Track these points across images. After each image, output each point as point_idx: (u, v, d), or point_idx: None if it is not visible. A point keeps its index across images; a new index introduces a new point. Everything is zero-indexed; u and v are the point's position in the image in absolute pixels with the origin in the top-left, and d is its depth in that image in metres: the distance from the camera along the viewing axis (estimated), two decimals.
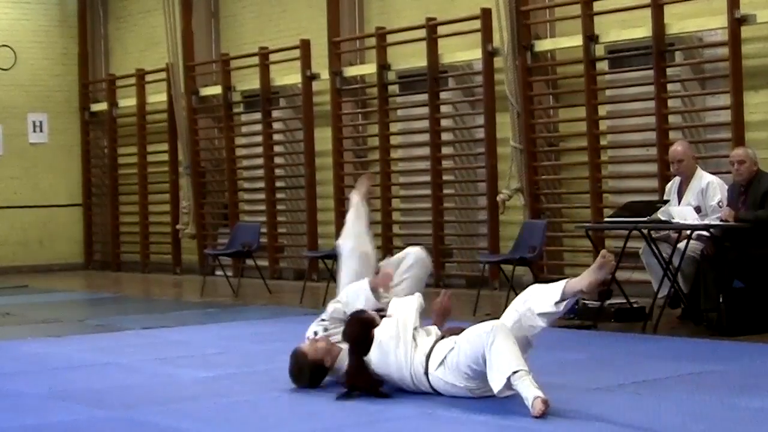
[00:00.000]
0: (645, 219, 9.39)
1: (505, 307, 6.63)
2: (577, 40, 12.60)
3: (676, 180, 9.96)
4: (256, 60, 16.42)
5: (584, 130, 12.59)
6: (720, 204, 9.46)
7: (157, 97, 18.24)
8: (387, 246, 14.60)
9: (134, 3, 19.25)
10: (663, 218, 9.34)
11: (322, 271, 13.98)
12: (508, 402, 6.31)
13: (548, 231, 11.89)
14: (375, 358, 6.60)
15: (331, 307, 7.18)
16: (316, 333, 7.06)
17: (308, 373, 6.91)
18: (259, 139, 16.66)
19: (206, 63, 17.80)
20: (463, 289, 13.31)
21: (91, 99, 19.91)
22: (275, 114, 16.56)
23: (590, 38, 12.45)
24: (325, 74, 15.49)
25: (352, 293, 7.13)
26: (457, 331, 6.55)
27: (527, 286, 6.65)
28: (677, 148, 9.93)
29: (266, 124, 16.50)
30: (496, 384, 6.11)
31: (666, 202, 9.66)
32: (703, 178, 9.77)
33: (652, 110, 11.87)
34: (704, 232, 9.29)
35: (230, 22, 17.60)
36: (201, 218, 17.55)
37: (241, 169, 17.17)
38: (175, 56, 17.29)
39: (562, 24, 13.20)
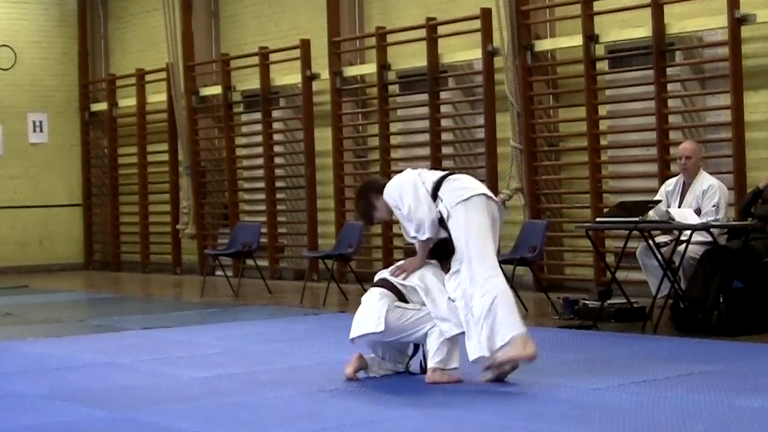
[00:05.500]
0: (645, 219, 9.38)
1: None
2: (577, 40, 12.60)
3: (679, 180, 9.94)
4: (256, 60, 16.41)
5: (584, 130, 12.59)
6: (715, 206, 9.46)
7: (157, 97, 18.24)
8: (387, 246, 14.60)
9: (134, 3, 19.24)
10: (658, 218, 9.36)
11: (322, 271, 13.98)
12: (510, 402, 6.31)
13: (548, 231, 11.89)
14: None
15: None
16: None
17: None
18: (259, 139, 16.65)
19: (206, 63, 17.79)
20: None
21: (91, 99, 19.91)
22: (275, 114, 16.56)
23: (590, 38, 12.45)
24: (325, 74, 15.49)
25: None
26: None
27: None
28: (686, 145, 10.01)
29: (266, 124, 16.49)
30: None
31: (658, 202, 9.65)
32: (705, 180, 9.78)
33: (652, 110, 11.87)
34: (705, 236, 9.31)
35: (230, 22, 17.59)
36: (201, 218, 17.54)
37: (241, 169, 17.16)
38: (175, 56, 17.28)
39: (562, 24, 13.20)
